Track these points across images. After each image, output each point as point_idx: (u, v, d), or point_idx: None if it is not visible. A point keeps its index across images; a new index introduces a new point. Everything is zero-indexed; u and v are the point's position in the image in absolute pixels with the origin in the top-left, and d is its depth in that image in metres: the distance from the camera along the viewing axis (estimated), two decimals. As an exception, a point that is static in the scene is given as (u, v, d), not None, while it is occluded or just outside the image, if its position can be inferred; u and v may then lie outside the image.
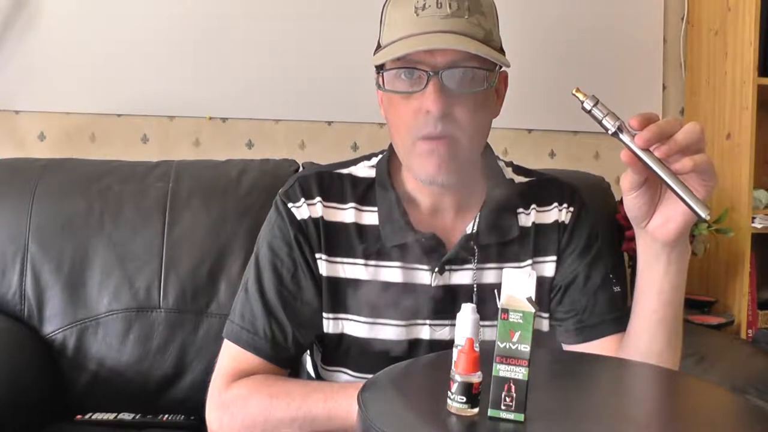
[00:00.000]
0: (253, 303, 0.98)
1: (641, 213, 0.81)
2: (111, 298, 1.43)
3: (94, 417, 1.35)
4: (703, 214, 0.74)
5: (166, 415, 1.38)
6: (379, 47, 0.95)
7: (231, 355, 0.97)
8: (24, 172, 1.51)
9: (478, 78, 0.91)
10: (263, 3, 1.92)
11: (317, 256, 0.99)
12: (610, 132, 0.77)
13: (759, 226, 1.92)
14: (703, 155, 0.75)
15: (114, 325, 1.42)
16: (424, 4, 0.89)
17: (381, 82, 0.94)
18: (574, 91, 0.78)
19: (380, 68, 0.94)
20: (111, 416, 1.35)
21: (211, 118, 1.93)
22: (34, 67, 1.83)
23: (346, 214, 1.00)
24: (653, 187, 0.80)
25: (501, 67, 0.93)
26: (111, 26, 1.85)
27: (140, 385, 1.41)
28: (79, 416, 1.35)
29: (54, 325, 1.42)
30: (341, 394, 0.90)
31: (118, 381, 1.40)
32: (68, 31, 1.84)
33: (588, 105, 0.77)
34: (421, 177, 0.95)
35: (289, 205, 1.00)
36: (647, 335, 0.88)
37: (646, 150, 0.74)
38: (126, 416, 1.35)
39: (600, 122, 0.77)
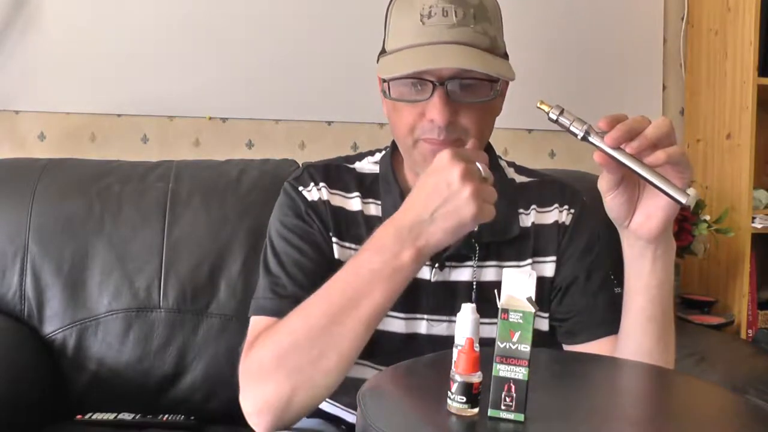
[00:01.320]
0: (275, 272, 0.96)
1: (622, 213, 0.82)
2: (111, 298, 1.43)
3: (94, 417, 1.34)
4: (683, 200, 0.74)
5: (166, 415, 1.37)
6: (384, 52, 0.96)
7: (255, 328, 0.94)
8: (24, 172, 1.51)
9: (484, 87, 0.91)
10: (263, 3, 1.92)
11: (331, 235, 0.99)
12: (579, 137, 0.77)
13: (759, 226, 1.92)
14: (676, 147, 0.75)
15: (114, 325, 1.42)
16: (430, 12, 0.88)
17: (387, 90, 0.93)
18: (538, 104, 0.79)
19: None
20: (111, 416, 1.35)
21: (211, 118, 1.93)
22: (34, 67, 1.82)
23: (352, 202, 1.01)
24: (631, 186, 0.81)
25: None
26: (111, 26, 1.85)
27: (140, 385, 1.41)
28: (79, 416, 1.35)
29: (54, 325, 1.42)
30: (355, 258, 0.85)
31: (118, 381, 1.40)
32: (68, 31, 1.84)
33: (554, 115, 0.78)
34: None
35: (300, 188, 1.01)
36: (637, 334, 0.88)
37: (618, 148, 0.75)
38: (126, 416, 1.35)
39: (568, 129, 0.78)
